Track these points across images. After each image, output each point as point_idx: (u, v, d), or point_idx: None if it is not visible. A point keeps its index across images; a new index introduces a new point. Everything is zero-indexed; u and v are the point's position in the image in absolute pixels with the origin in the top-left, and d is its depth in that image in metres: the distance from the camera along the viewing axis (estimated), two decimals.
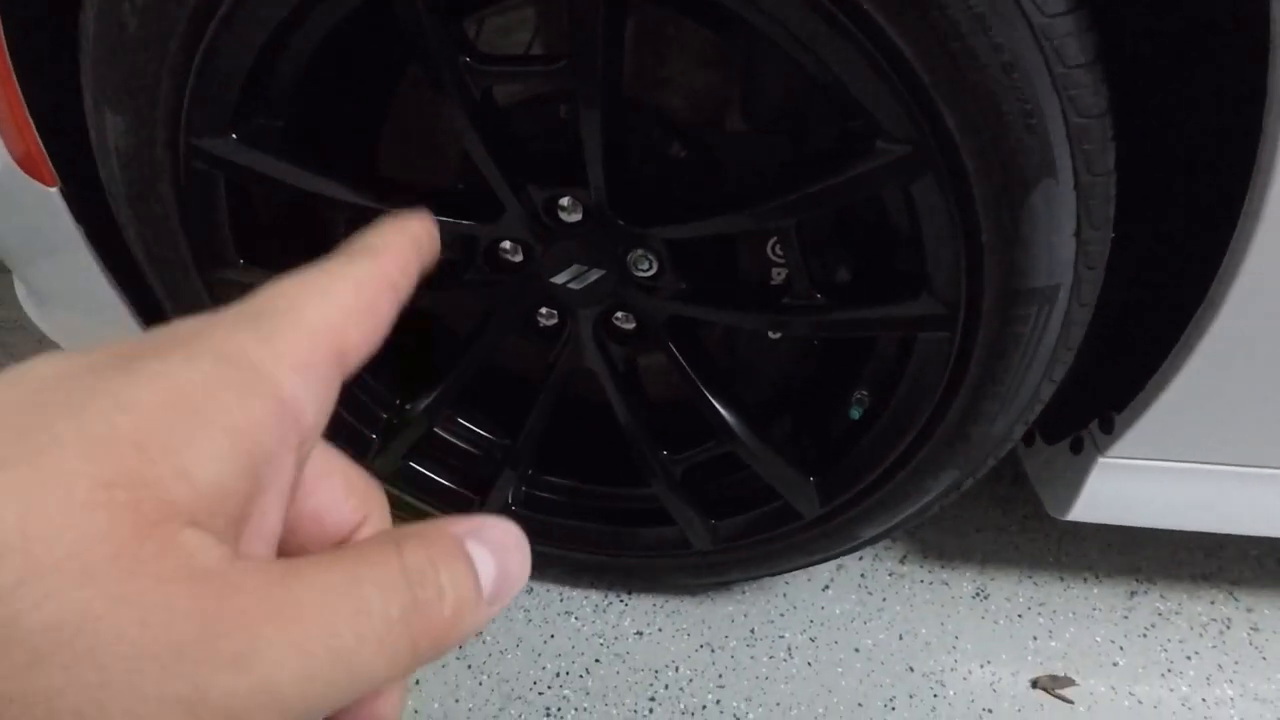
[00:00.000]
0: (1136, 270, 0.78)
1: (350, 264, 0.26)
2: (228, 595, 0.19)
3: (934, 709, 0.99)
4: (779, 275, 0.85)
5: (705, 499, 0.97)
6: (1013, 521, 1.22)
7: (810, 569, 1.13)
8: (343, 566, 0.21)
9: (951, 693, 1.01)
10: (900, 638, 1.07)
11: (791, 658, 1.05)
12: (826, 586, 1.13)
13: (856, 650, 1.06)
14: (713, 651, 1.05)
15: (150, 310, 0.92)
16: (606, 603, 1.10)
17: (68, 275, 0.91)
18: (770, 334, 0.94)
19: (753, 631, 1.07)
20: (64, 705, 0.17)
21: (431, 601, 0.22)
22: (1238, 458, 0.83)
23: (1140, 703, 1.01)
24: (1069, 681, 1.03)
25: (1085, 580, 1.15)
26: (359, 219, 0.81)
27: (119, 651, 0.17)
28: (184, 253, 0.81)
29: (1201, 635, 1.09)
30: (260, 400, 0.21)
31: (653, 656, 1.05)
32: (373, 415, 0.99)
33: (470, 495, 1.03)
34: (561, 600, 1.11)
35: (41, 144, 0.78)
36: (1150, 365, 0.78)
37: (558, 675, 1.02)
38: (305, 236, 0.85)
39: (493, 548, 0.24)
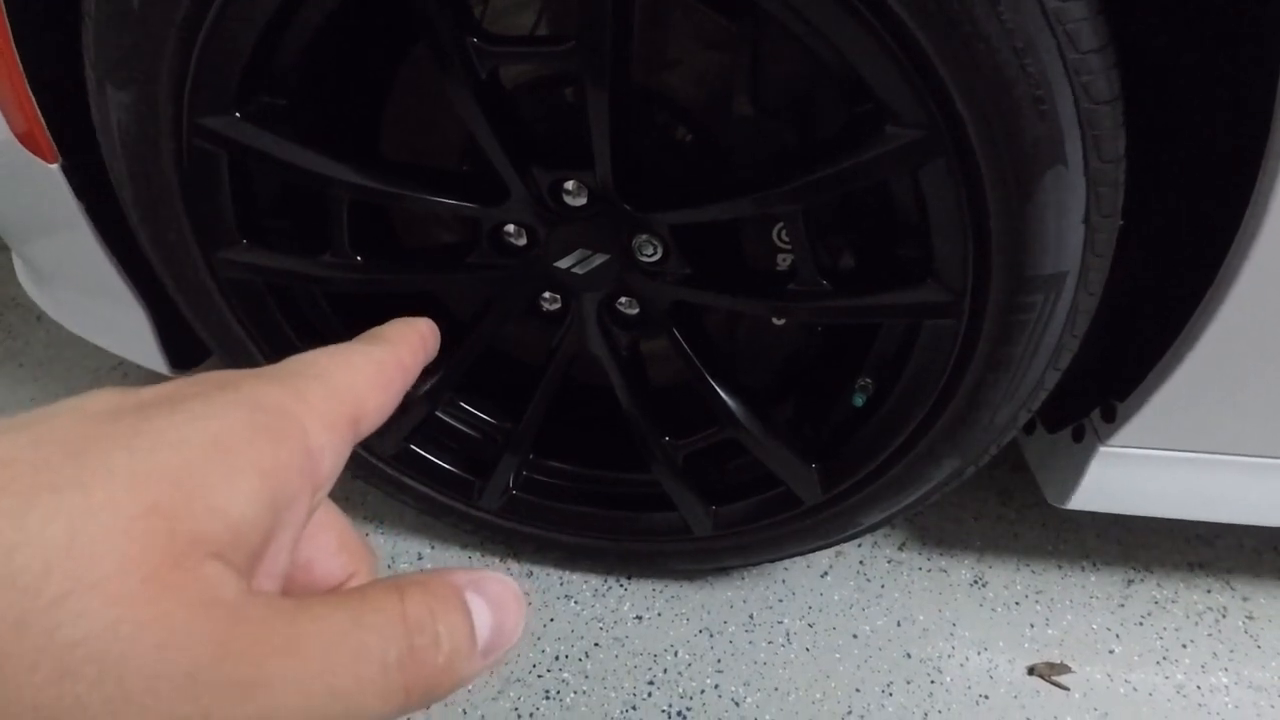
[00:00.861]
0: (1141, 258, 0.78)
1: (371, 346, 0.30)
2: (240, 626, 0.20)
3: (931, 695, 1.00)
4: (784, 261, 0.85)
5: (706, 485, 0.97)
6: (1011, 510, 1.23)
7: (809, 555, 1.13)
8: (348, 608, 0.22)
9: (948, 679, 1.02)
10: (898, 624, 1.08)
11: (790, 643, 1.05)
12: (825, 573, 1.13)
13: (854, 636, 1.06)
14: (711, 636, 1.06)
15: (150, 288, 0.91)
16: (606, 587, 1.11)
17: (68, 253, 0.90)
18: (774, 320, 0.94)
19: (751, 617, 1.08)
20: (83, 718, 0.18)
21: (428, 649, 0.23)
22: (1240, 447, 0.83)
23: (1136, 690, 1.01)
24: (1065, 668, 1.03)
25: (1082, 568, 1.15)
26: (361, 200, 0.80)
27: (139, 670, 0.19)
28: (185, 231, 0.81)
29: (1197, 623, 1.09)
30: (290, 448, 0.24)
31: (652, 641, 1.05)
32: None
33: (471, 479, 1.03)
34: (561, 584, 1.11)
35: (43, 120, 0.77)
36: (1153, 354, 0.78)
37: (557, 659, 1.03)
38: (308, 217, 0.85)
39: (491, 601, 0.25)
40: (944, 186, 0.64)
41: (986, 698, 1.00)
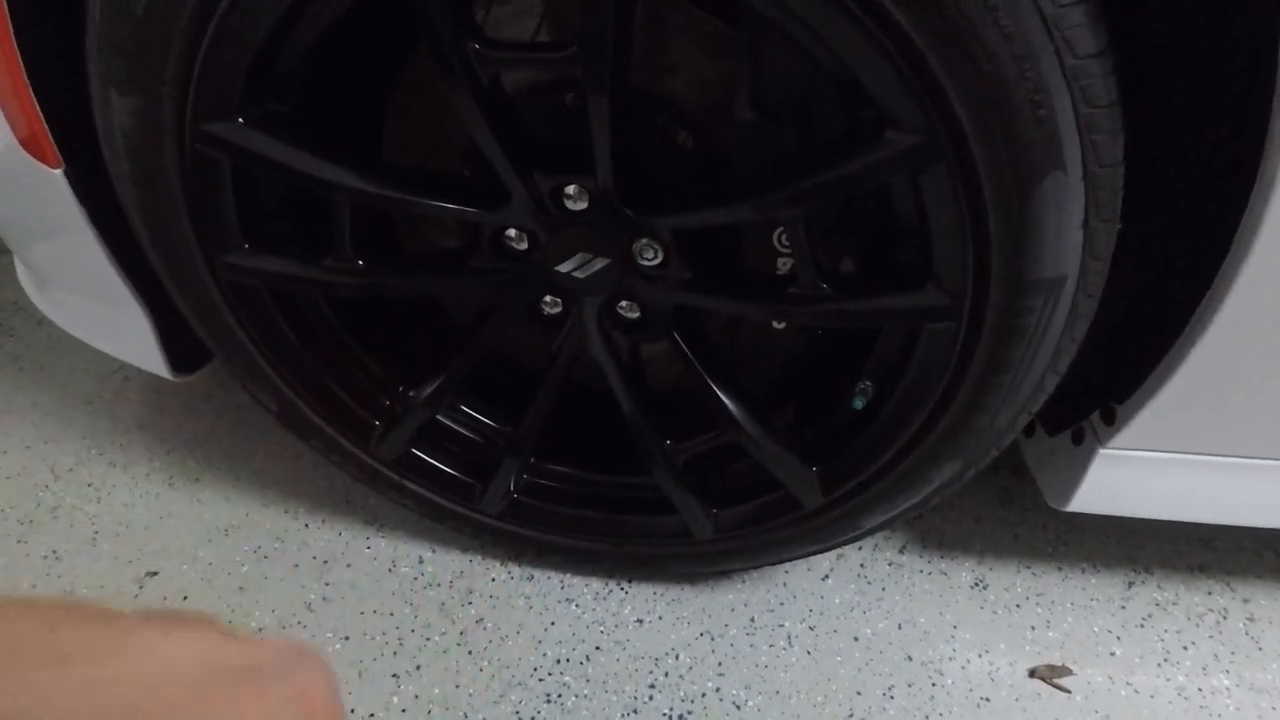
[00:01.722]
0: (1140, 261, 0.79)
1: None
2: None
3: (932, 698, 1.00)
4: (784, 265, 0.85)
5: (707, 488, 0.97)
6: (1012, 512, 1.23)
7: (810, 558, 1.13)
8: None
9: (950, 681, 1.02)
10: (899, 627, 1.08)
11: (791, 646, 1.05)
12: (826, 576, 1.13)
13: (855, 639, 1.06)
14: (712, 639, 1.06)
15: (152, 293, 0.91)
16: (607, 590, 1.11)
17: (70, 257, 0.91)
18: (774, 324, 0.94)
19: (752, 620, 1.08)
20: None
21: None
22: (1240, 449, 0.83)
23: (1137, 692, 1.01)
24: (1066, 671, 1.03)
25: (1083, 571, 1.15)
26: (363, 205, 0.81)
27: None
28: (188, 236, 0.81)
29: (1198, 625, 1.09)
30: None
31: (653, 644, 1.05)
32: (376, 402, 0.99)
33: (472, 482, 1.03)
34: (562, 588, 1.11)
35: (46, 125, 0.77)
36: (1153, 357, 0.78)
37: (558, 662, 1.03)
38: (310, 221, 0.85)
39: None
40: (943, 191, 0.64)
41: (988, 700, 1.00)
